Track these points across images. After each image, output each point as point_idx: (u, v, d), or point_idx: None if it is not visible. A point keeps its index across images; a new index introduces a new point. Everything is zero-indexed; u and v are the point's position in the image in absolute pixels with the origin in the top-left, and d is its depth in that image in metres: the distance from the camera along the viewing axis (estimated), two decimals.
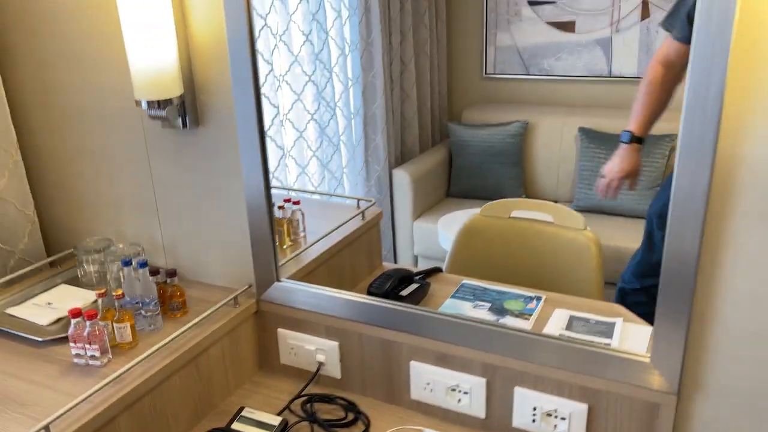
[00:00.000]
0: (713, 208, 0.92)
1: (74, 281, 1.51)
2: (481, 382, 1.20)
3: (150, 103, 1.26)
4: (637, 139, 1.29)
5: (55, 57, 1.45)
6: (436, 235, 2.25)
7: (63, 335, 1.26)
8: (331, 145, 2.31)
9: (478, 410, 1.22)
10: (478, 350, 1.18)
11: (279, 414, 1.26)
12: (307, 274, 1.46)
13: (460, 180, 2.37)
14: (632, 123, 1.28)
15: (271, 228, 1.34)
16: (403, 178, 2.38)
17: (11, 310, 1.37)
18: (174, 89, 1.27)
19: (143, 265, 1.26)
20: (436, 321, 1.23)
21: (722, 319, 0.97)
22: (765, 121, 0.86)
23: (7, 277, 1.51)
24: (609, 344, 1.16)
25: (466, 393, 1.22)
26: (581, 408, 1.12)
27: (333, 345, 1.35)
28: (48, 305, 1.39)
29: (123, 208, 1.53)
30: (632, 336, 1.23)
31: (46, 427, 0.98)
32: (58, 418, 1.00)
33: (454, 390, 1.23)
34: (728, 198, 0.91)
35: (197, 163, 1.38)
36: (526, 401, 1.17)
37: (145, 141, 1.42)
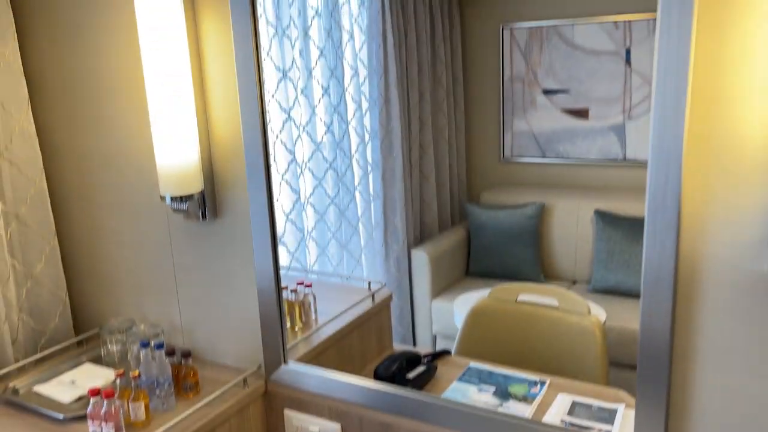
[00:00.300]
0: (680, 308, 0.99)
1: (98, 360, 1.61)
2: None
3: (173, 198, 1.39)
4: None
5: (93, 157, 1.62)
6: (452, 315, 2.30)
7: (83, 413, 1.35)
8: (350, 226, 2.42)
9: None
10: None
11: None
12: (317, 356, 1.53)
13: (479, 260, 2.42)
14: None
15: (280, 312, 1.43)
16: (421, 257, 2.46)
17: (38, 388, 1.47)
18: (195, 185, 1.40)
19: (160, 346, 1.35)
20: (436, 407, 1.28)
21: (699, 408, 1.01)
22: (722, 229, 0.93)
23: (37, 356, 1.62)
24: (609, 431, 1.19)
25: None
26: None
27: (335, 427, 1.40)
28: (72, 383, 1.49)
29: (146, 291, 1.64)
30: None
31: None
32: None
33: None
34: (692, 296, 0.98)
35: (214, 251, 1.49)
36: None
37: (169, 231, 1.56)
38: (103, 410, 1.24)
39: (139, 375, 1.30)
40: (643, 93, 1.87)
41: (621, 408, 1.32)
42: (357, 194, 2.43)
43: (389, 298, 1.99)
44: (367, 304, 1.80)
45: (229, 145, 1.41)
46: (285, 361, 1.46)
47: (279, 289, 1.43)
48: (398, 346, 2.05)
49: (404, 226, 2.52)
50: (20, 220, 1.63)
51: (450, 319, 2.32)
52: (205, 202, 1.45)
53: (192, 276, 1.55)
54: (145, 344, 1.37)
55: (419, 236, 2.52)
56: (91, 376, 1.51)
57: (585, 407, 1.35)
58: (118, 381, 1.29)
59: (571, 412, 1.32)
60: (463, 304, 2.23)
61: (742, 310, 0.95)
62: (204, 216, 1.46)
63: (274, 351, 1.46)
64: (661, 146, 0.93)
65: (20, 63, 1.58)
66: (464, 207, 2.35)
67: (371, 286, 1.95)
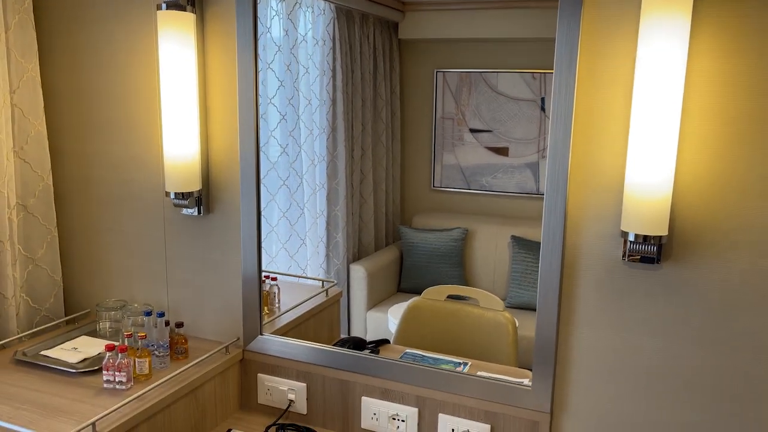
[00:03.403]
0: (565, 283, 1.42)
1: (91, 334, 1.87)
2: (414, 411, 1.60)
3: (177, 194, 1.71)
4: None
5: (97, 158, 1.91)
6: (386, 323, 2.64)
7: (90, 369, 1.62)
8: (299, 239, 2.73)
9: None
10: (412, 386, 1.60)
11: None
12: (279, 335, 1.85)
13: (410, 276, 2.70)
14: None
15: (260, 294, 1.76)
16: (359, 271, 2.76)
17: (44, 352, 1.72)
18: (195, 184, 1.73)
19: (161, 315, 1.65)
20: (381, 363, 1.64)
21: (576, 363, 1.43)
22: (592, 226, 1.37)
23: (33, 330, 1.86)
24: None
25: (403, 421, 1.62)
26: (486, 428, 1.53)
27: (302, 386, 1.73)
28: (74, 349, 1.74)
29: (137, 276, 1.93)
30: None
31: (93, 424, 1.34)
32: (100, 418, 1.35)
33: (394, 419, 1.63)
34: (573, 275, 1.41)
35: (205, 242, 1.81)
36: (447, 425, 1.57)
37: (164, 224, 1.86)
38: (117, 362, 1.52)
39: (146, 336, 1.59)
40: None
41: (526, 381, 1.72)
42: (306, 210, 2.75)
43: (339, 294, 2.33)
44: (322, 298, 2.13)
45: (226, 154, 1.75)
46: (261, 333, 1.79)
47: (260, 274, 1.76)
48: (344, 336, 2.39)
49: (345, 242, 2.84)
50: (28, 211, 1.88)
51: (382, 328, 2.66)
52: (201, 200, 1.77)
53: (182, 263, 1.85)
54: (148, 313, 1.66)
55: (357, 253, 2.84)
56: (90, 344, 1.77)
57: (497, 380, 1.73)
58: (126, 341, 1.58)
59: None
60: (396, 312, 2.58)
61: (605, 284, 1.39)
62: (200, 212, 1.78)
63: (253, 325, 1.78)
64: (554, 171, 1.36)
65: (39, 76, 1.86)
66: (398, 228, 2.68)
67: (324, 284, 2.27)
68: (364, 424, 1.67)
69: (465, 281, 2.58)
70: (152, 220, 1.87)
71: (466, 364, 1.82)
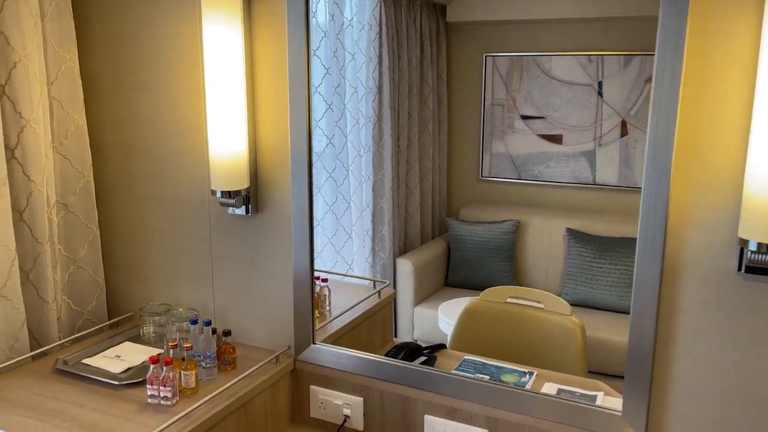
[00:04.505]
0: (665, 295, 1.23)
1: (134, 339, 1.76)
2: None
3: (223, 193, 1.58)
4: None
5: (140, 154, 1.79)
6: (435, 320, 2.49)
7: (133, 381, 1.51)
8: (345, 233, 2.61)
9: None
10: (482, 405, 1.44)
11: None
12: (332, 343, 1.72)
13: (458, 271, 2.57)
14: None
15: (312, 299, 1.63)
16: (406, 266, 2.64)
17: (86, 361, 1.62)
18: (243, 182, 1.59)
19: (208, 323, 1.53)
20: (447, 380, 1.49)
21: (677, 386, 1.25)
22: (699, 233, 1.18)
23: (75, 335, 1.76)
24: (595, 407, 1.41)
25: None
26: None
27: (358, 400, 1.60)
28: (117, 357, 1.64)
29: (181, 278, 1.81)
30: (613, 407, 1.47)
31: None
32: None
33: None
34: (675, 285, 1.22)
35: (253, 244, 1.68)
36: None
37: (209, 223, 1.73)
38: (161, 375, 1.40)
39: (191, 347, 1.47)
40: (612, 122, 2.05)
41: (600, 395, 1.54)
42: (352, 203, 2.62)
43: (392, 295, 2.19)
44: (374, 300, 1.99)
45: (275, 149, 1.61)
46: (314, 342, 1.65)
47: (313, 278, 1.63)
48: (399, 341, 2.25)
49: (391, 235, 2.71)
50: (68, 210, 1.78)
51: (431, 325, 2.51)
52: (249, 199, 1.64)
53: (228, 265, 1.73)
54: (194, 321, 1.54)
55: (403, 246, 2.71)
56: (134, 352, 1.67)
57: (569, 393, 1.56)
58: (171, 352, 1.46)
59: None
60: (448, 309, 2.43)
61: (715, 297, 1.20)
62: (248, 211, 1.65)
63: (304, 333, 1.65)
64: (654, 167, 1.18)
65: (78, 66, 1.75)
66: (444, 221, 2.55)
67: (376, 284, 2.14)
68: None
69: (515, 276, 2.44)
70: (197, 219, 1.75)
71: (531, 373, 1.66)
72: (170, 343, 1.47)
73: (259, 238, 1.67)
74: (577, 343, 1.92)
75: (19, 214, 1.63)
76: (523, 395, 1.41)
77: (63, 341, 1.73)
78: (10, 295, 1.59)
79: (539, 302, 2.02)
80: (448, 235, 2.34)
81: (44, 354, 1.68)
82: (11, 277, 1.58)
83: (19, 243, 1.63)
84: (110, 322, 1.86)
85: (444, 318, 2.44)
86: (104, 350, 1.69)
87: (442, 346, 1.95)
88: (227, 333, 1.60)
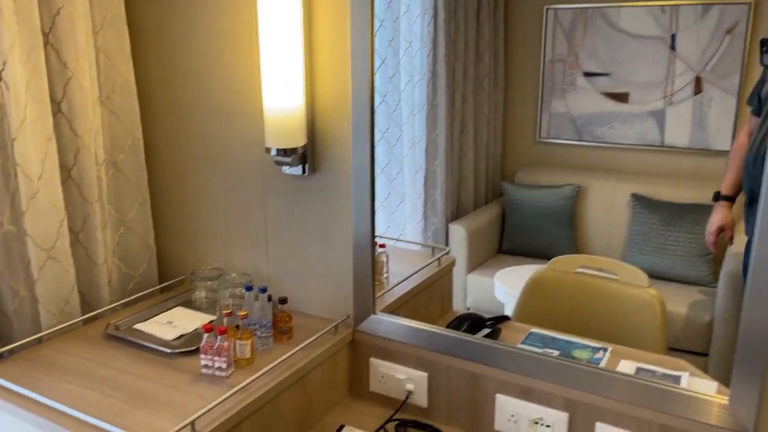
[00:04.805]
0: None
1: (186, 304, 1.69)
2: (563, 416, 1.31)
3: (279, 151, 1.46)
4: (724, 198, 1.42)
5: (189, 109, 1.68)
6: (489, 288, 2.36)
7: (186, 349, 1.43)
8: (398, 197, 2.48)
9: None
10: (561, 385, 1.30)
11: None
12: (391, 313, 1.61)
13: (513, 237, 2.46)
14: (722, 184, 1.42)
15: (372, 266, 1.51)
16: (459, 232, 2.52)
17: (138, 326, 1.55)
18: (300, 139, 1.47)
19: (263, 291, 1.43)
20: (522, 357, 1.36)
21: None
22: None
23: (127, 299, 1.70)
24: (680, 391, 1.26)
25: (548, 426, 1.34)
26: None
27: (422, 375, 1.48)
28: (169, 323, 1.56)
29: (234, 242, 1.72)
30: (699, 389, 1.32)
31: (192, 424, 1.14)
32: (200, 416, 1.15)
33: (537, 423, 1.35)
34: None
35: (310, 206, 1.56)
36: None
37: (262, 184, 1.62)
38: (216, 345, 1.32)
39: (247, 315, 1.38)
40: (685, 79, 1.89)
41: (685, 375, 1.39)
42: (404, 166, 2.49)
43: (452, 263, 2.06)
44: (434, 267, 1.87)
45: (334, 103, 1.47)
46: (374, 312, 1.54)
47: (373, 242, 1.50)
48: (459, 310, 2.13)
49: (443, 200, 2.58)
50: (117, 168, 1.70)
51: (485, 293, 2.39)
52: (306, 157, 1.52)
53: (283, 229, 1.62)
54: (249, 288, 1.44)
55: (456, 212, 2.58)
56: (187, 318, 1.59)
57: (650, 373, 1.41)
58: (225, 320, 1.37)
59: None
60: (505, 278, 2.30)
61: None
62: (304, 170, 1.53)
63: (364, 302, 1.54)
64: None
65: (125, 14, 1.64)
66: (499, 184, 2.41)
67: (434, 251, 2.01)
68: (498, 426, 1.40)
69: (574, 244, 2.32)
70: (250, 180, 1.64)
71: (605, 349, 1.52)
72: (224, 311, 1.37)
73: (316, 199, 1.56)
74: (656, 318, 1.76)
75: (67, 172, 1.56)
76: (610, 377, 1.27)
77: (114, 305, 1.66)
78: (59, 256, 1.52)
79: (613, 272, 1.87)
80: (503, 200, 2.25)
81: (95, 318, 1.62)
82: (60, 238, 1.51)
83: (67, 202, 1.56)
84: (161, 286, 1.79)
85: (501, 286, 2.31)
86: (156, 315, 1.62)
87: (506, 318, 1.82)
88: (283, 300, 1.50)
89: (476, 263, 2.50)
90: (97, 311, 1.61)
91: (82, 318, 1.57)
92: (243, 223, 1.68)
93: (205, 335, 1.32)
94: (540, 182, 2.28)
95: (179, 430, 1.11)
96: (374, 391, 1.56)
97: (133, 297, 1.71)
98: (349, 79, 1.43)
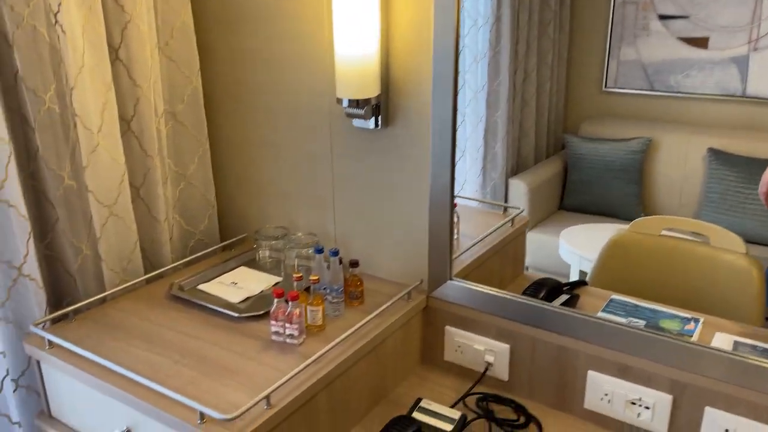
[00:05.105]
0: None
1: (249, 264, 1.61)
2: (666, 398, 1.19)
3: (350, 102, 1.33)
4: None
5: (251, 57, 1.56)
6: (551, 248, 2.24)
7: (254, 313, 1.35)
8: (459, 150, 2.35)
9: (660, 427, 1.21)
10: (665, 365, 1.18)
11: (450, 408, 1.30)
12: (463, 279, 1.50)
13: (575, 193, 2.33)
14: None
15: (451, 227, 1.39)
16: (519, 187, 2.38)
17: (202, 287, 1.48)
18: (373, 89, 1.34)
19: (335, 253, 1.33)
20: (620, 332, 1.23)
21: None
22: None
23: (188, 258, 1.63)
24: None
25: (647, 408, 1.22)
26: None
27: (504, 347, 1.37)
28: (233, 284, 1.49)
29: (298, 200, 1.62)
30: None
31: (267, 397, 1.06)
32: (275, 390, 1.07)
33: (634, 404, 1.23)
34: None
35: (382, 161, 1.44)
36: (718, 423, 1.15)
37: (331, 139, 1.50)
38: (287, 311, 1.23)
39: (318, 280, 1.29)
40: None
41: None
42: (466, 117, 2.35)
43: (526, 223, 1.93)
44: (507, 229, 1.74)
45: (413, 52, 1.33)
46: (450, 277, 1.43)
47: (452, 204, 1.38)
48: (531, 275, 2.01)
49: (504, 153, 2.43)
50: (177, 120, 1.60)
51: (546, 252, 2.26)
52: (379, 109, 1.39)
53: (352, 186, 1.51)
54: (319, 250, 1.34)
55: (516, 166, 2.44)
56: (252, 280, 1.51)
57: (749, 347, 1.27)
58: (295, 284, 1.28)
59: (734, 352, 1.25)
60: (571, 237, 2.16)
61: None
62: (377, 124, 1.40)
63: (440, 266, 1.43)
64: None
65: None
66: (561, 137, 2.25)
67: (507, 210, 1.88)
68: (588, 405, 1.29)
69: (642, 201, 2.19)
70: (317, 133, 1.52)
71: (696, 320, 1.39)
72: (295, 275, 1.28)
73: (388, 154, 1.43)
74: (754, 287, 1.61)
75: (126, 123, 1.47)
76: (722, 358, 1.13)
77: (176, 264, 1.60)
78: (121, 213, 1.45)
79: (703, 236, 1.71)
80: (566, 154, 2.16)
81: (158, 277, 1.56)
82: (122, 193, 1.44)
83: (127, 156, 1.48)
84: (222, 244, 1.72)
85: (567, 246, 2.19)
86: (219, 276, 1.54)
87: (583, 283, 1.69)
88: (355, 264, 1.40)
89: (536, 221, 2.37)
90: (160, 270, 1.55)
91: (145, 277, 1.51)
92: (309, 179, 1.58)
93: (276, 300, 1.24)
94: (606, 135, 2.15)
95: (254, 404, 1.04)
96: (449, 360, 1.47)
97: (195, 256, 1.64)
98: (431, 24, 1.28)
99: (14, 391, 1.33)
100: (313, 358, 1.16)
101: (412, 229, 1.46)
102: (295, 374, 1.12)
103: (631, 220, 1.82)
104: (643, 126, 1.98)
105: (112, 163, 1.41)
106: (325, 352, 1.20)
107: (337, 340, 1.23)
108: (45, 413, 1.34)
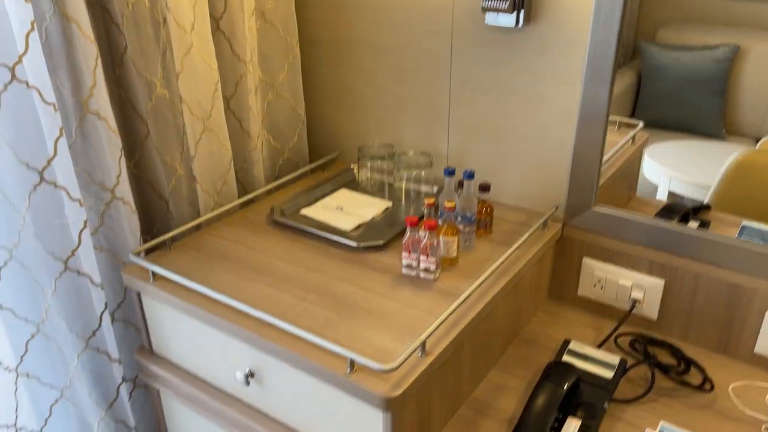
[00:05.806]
0: None
1: (350, 186, 1.43)
2: None
3: None
4: None
5: None
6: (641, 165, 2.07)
7: (376, 243, 1.19)
8: None
9: None
10: None
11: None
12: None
13: (649, 107, 2.13)
14: None
15: (603, 146, 1.19)
16: None
17: (305, 212, 1.32)
18: None
19: (470, 176, 1.14)
20: None
21: None
22: None
23: (281, 180, 1.45)
24: None
25: None
26: None
27: (657, 283, 1.21)
28: (339, 209, 1.32)
29: (403, 112, 1.42)
30: None
31: (423, 345, 0.91)
32: (429, 336, 0.92)
33: None
34: None
35: (518, 65, 1.22)
36: None
37: (451, 39, 1.28)
38: (423, 242, 1.06)
39: (455, 207, 1.11)
40: None
41: None
42: None
43: (647, 141, 1.72)
44: (628, 147, 1.53)
45: None
46: (594, 204, 1.24)
47: (608, 118, 1.17)
48: (642, 197, 1.84)
49: None
50: (265, 20, 1.38)
51: None
52: (523, 3, 1.16)
53: (475, 96, 1.30)
54: (450, 172, 1.16)
55: None
56: (358, 204, 1.34)
57: None
58: (425, 211, 1.10)
59: None
60: (657, 155, 1.96)
61: None
62: (518, 21, 1.17)
63: (584, 191, 1.24)
64: None
65: None
66: (638, 45, 2.01)
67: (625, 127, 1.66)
68: (759, 349, 1.13)
69: (724, 116, 1.97)
70: (433, 33, 1.30)
71: None
72: (426, 201, 1.10)
73: (527, 57, 1.21)
74: None
75: (215, 22, 1.26)
76: None
77: (269, 186, 1.42)
78: (215, 127, 1.26)
79: None
80: (640, 63, 1.98)
81: (252, 201, 1.40)
82: (215, 105, 1.25)
83: (219, 61, 1.27)
84: (312, 165, 1.53)
85: (654, 164, 2.00)
86: (320, 199, 1.37)
87: (706, 207, 1.49)
88: (485, 188, 1.21)
89: None
90: (254, 193, 1.38)
91: (239, 201, 1.34)
92: (419, 88, 1.37)
93: (409, 230, 1.07)
94: (688, 42, 1.92)
95: (412, 352, 0.89)
96: (583, 296, 1.31)
97: (287, 178, 1.46)
98: None
99: (111, 324, 1.20)
100: (463, 297, 1.00)
101: (550, 148, 1.26)
102: (447, 316, 0.97)
103: (712, 137, 1.64)
104: (729, 32, 1.78)
105: (207, 68, 1.21)
106: (473, 291, 1.03)
107: (484, 275, 1.06)
108: (146, 349, 1.22)
